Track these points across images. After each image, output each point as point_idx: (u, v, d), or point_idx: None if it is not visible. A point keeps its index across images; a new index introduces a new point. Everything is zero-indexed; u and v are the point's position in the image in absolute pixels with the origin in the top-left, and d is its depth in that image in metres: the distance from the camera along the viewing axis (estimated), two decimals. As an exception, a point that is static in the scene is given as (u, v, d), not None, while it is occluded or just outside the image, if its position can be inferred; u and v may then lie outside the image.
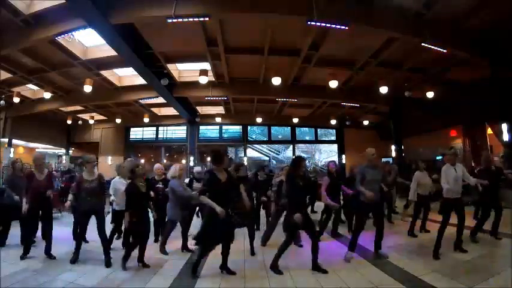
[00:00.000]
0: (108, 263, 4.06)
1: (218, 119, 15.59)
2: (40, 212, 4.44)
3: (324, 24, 6.43)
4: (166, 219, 4.86)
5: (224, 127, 17.68)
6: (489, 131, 11.01)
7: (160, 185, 5.30)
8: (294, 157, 4.27)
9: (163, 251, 4.69)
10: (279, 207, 4.97)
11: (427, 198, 5.86)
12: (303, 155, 18.91)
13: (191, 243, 4.51)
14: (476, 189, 5.02)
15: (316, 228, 4.13)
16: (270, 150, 18.59)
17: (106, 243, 4.23)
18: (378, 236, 4.39)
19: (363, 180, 4.31)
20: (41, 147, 17.29)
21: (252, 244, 4.68)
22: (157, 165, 5.70)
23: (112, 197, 4.88)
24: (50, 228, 4.43)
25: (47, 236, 4.42)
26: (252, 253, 4.61)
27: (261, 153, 18.88)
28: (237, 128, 17.68)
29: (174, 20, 6.20)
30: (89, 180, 4.21)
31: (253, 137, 18.42)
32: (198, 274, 3.71)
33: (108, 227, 4.54)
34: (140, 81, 10.61)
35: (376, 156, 4.49)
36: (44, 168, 4.61)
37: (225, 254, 3.77)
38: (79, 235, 4.42)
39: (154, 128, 17.62)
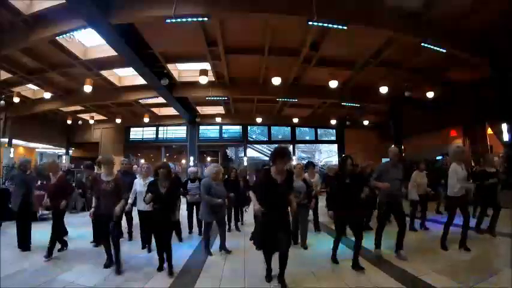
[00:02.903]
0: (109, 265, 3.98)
1: (218, 119, 15.60)
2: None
3: (324, 24, 6.44)
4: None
5: (224, 127, 17.68)
6: (489, 131, 11.01)
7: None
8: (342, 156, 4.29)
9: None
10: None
11: (424, 197, 6.03)
12: (302, 155, 18.96)
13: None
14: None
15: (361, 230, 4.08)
16: (270, 150, 18.57)
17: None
18: (400, 236, 4.32)
19: (379, 177, 4.38)
20: (41, 147, 17.31)
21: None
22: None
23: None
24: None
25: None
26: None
27: (261, 153, 18.89)
28: (237, 128, 17.68)
29: (174, 20, 6.21)
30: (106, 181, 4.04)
31: (253, 137, 18.44)
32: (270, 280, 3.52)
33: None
34: (140, 81, 10.61)
35: (398, 156, 4.60)
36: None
37: (281, 261, 3.36)
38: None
39: (154, 128, 17.64)
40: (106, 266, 3.95)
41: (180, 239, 5.43)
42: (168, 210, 3.86)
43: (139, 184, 4.93)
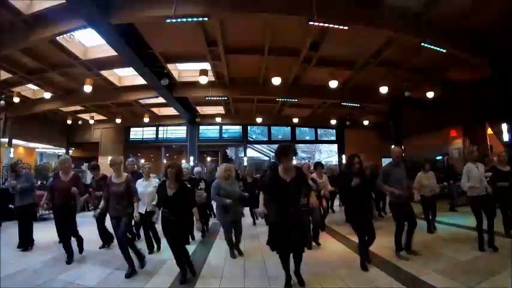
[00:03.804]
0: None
1: (218, 119, 15.60)
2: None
3: (324, 24, 6.44)
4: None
5: (224, 127, 17.69)
6: (489, 131, 11.01)
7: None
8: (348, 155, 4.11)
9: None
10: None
11: (431, 199, 5.74)
12: (303, 155, 18.96)
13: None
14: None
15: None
16: (270, 150, 18.59)
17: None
18: (408, 235, 4.32)
19: (385, 178, 4.28)
20: (40, 147, 17.30)
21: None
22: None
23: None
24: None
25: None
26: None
27: (261, 153, 18.90)
28: (237, 128, 17.69)
29: (174, 20, 6.21)
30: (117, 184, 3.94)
31: (253, 137, 18.44)
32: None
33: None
34: (140, 81, 10.61)
35: (401, 156, 4.53)
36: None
37: (296, 258, 3.35)
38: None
39: (154, 128, 17.64)
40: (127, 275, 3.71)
41: (193, 237, 5.18)
42: (179, 214, 3.49)
43: (141, 185, 4.87)
